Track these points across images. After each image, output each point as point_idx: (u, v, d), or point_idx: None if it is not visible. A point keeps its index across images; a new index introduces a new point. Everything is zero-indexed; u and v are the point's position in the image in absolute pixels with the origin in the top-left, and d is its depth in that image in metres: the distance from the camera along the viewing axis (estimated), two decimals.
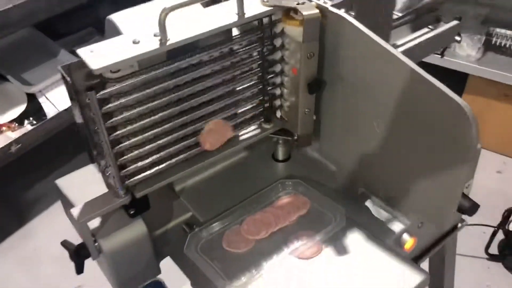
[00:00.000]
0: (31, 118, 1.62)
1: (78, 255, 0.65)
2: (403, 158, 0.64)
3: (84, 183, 0.71)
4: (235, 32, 0.69)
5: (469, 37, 1.84)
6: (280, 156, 0.82)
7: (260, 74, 0.70)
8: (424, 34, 0.87)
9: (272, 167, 0.81)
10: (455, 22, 0.90)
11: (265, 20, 0.66)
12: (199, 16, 0.61)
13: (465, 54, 1.84)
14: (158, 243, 0.71)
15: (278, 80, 0.71)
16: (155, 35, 0.57)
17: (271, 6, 0.63)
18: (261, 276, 0.63)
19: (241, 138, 0.73)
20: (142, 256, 0.68)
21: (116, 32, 0.69)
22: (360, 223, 0.70)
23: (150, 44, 0.56)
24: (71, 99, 0.57)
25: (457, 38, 0.92)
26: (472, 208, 0.70)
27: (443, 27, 0.89)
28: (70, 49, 1.79)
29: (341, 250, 0.67)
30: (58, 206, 1.80)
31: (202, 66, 0.63)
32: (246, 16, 0.62)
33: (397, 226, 0.71)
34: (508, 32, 1.79)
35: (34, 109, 1.64)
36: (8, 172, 1.77)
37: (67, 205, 0.73)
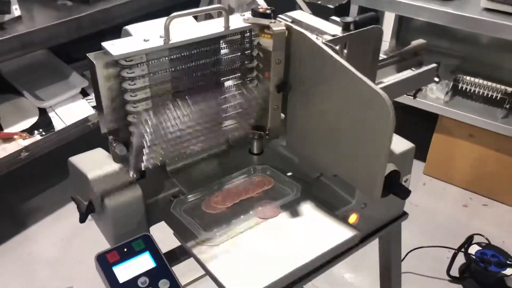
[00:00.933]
0: (40, 130, 1.79)
1: (88, 209, 0.81)
2: (343, 144, 0.82)
3: (94, 160, 0.88)
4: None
5: (439, 82, 2.06)
6: (255, 149, 0.99)
7: (239, 79, 0.89)
8: (406, 74, 1.03)
9: (248, 158, 0.99)
10: (433, 65, 1.03)
11: (247, 34, 0.86)
12: (195, 26, 0.81)
13: (434, 96, 2.05)
14: (149, 209, 0.87)
15: (253, 83, 0.90)
16: (160, 36, 0.77)
17: (250, 23, 0.83)
18: (230, 229, 0.80)
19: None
20: (135, 216, 0.84)
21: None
22: (314, 196, 0.87)
23: (156, 42, 0.76)
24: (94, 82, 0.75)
25: (436, 79, 1.04)
26: (404, 192, 0.87)
27: (423, 68, 1.01)
28: (81, 72, 2.00)
29: (294, 213, 0.85)
30: (56, 215, 1.95)
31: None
32: (230, 28, 0.81)
33: (344, 205, 0.88)
34: (473, 79, 2.01)
35: (44, 122, 1.82)
36: (12, 181, 1.93)
37: (78, 177, 0.89)
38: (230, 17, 0.84)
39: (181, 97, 0.81)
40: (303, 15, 1.01)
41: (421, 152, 2.23)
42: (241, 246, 0.80)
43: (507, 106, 1.93)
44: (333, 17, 1.06)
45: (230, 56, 0.86)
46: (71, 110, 1.89)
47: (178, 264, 0.90)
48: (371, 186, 0.78)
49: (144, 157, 0.78)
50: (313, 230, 0.82)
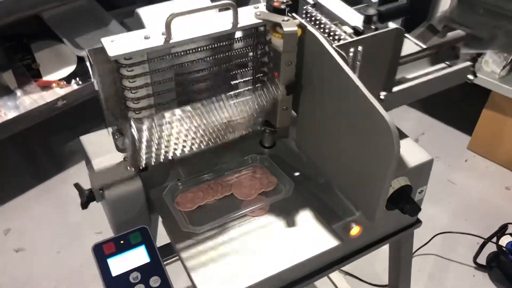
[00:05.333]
0: (78, 79, 1.82)
1: (88, 198, 0.82)
2: (347, 158, 0.78)
3: (103, 143, 0.88)
4: (239, 34, 0.83)
5: (496, 54, 1.88)
6: (265, 142, 0.96)
7: (253, 72, 0.84)
8: (438, 71, 0.91)
9: (258, 150, 0.96)
10: (467, 63, 0.93)
11: (261, 28, 0.80)
12: (202, 21, 0.76)
13: (489, 70, 1.89)
14: (153, 197, 0.88)
15: (265, 78, 0.85)
16: (162, 34, 0.73)
17: (261, 19, 0.77)
18: (216, 224, 0.81)
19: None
20: (135, 207, 0.85)
21: (140, 24, 0.85)
22: (310, 199, 0.85)
23: (157, 40, 0.72)
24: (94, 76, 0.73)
25: (470, 77, 0.95)
26: (413, 210, 0.82)
27: (456, 67, 0.92)
28: (121, 20, 1.98)
29: (281, 213, 0.83)
30: None
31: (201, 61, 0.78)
32: (238, 25, 0.76)
33: (347, 215, 0.84)
34: None
35: (81, 71, 1.84)
36: (54, 124, 2.00)
37: (86, 157, 0.90)
38: (243, 9, 0.79)
39: (185, 101, 0.78)
40: None
41: (468, 126, 2.10)
42: (224, 245, 0.79)
43: None
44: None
45: (240, 51, 0.81)
46: None
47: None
48: (371, 208, 0.74)
49: (143, 156, 0.77)
50: (295, 234, 0.80)
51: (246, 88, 0.85)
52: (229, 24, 0.76)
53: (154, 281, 0.80)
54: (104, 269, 0.80)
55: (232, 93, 0.81)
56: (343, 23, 0.85)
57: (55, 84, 1.78)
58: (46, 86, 1.77)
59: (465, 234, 1.73)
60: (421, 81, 0.88)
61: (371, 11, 0.83)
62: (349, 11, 0.87)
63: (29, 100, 1.71)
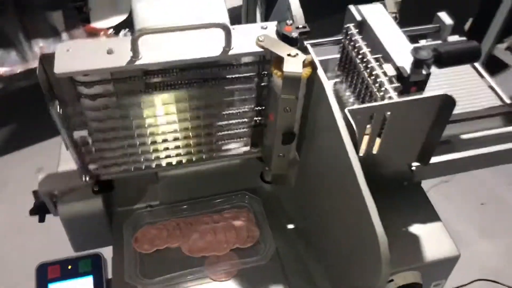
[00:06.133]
0: (127, 29, 1.72)
1: (41, 209, 0.72)
2: (336, 253, 0.61)
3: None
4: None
5: None
6: (266, 176, 0.80)
7: (253, 102, 0.68)
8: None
9: (255, 184, 0.80)
10: None
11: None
12: (185, 41, 0.59)
13: None
14: (119, 217, 0.76)
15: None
16: (131, 50, 0.58)
17: (262, 48, 0.59)
18: (171, 283, 0.67)
19: (227, 152, 0.73)
20: (95, 227, 0.74)
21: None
22: (287, 269, 0.69)
23: (120, 59, 0.57)
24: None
25: None
26: None
27: None
28: None
29: (249, 285, 0.67)
30: None
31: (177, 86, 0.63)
32: (230, 52, 0.59)
33: None
34: None
35: (132, 22, 1.73)
36: None
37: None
38: (247, 27, 0.61)
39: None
40: (382, 17, 0.72)
41: None
42: None
43: None
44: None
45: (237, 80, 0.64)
46: None
47: None
48: None
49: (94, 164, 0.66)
50: None
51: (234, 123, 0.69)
52: (218, 50, 0.59)
53: None
54: None
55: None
56: (387, 59, 0.65)
57: (103, 32, 1.69)
58: (93, 34, 1.69)
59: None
60: (476, 154, 0.66)
61: (424, 54, 0.62)
62: (401, 42, 0.67)
63: None
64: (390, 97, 0.59)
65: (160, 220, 0.74)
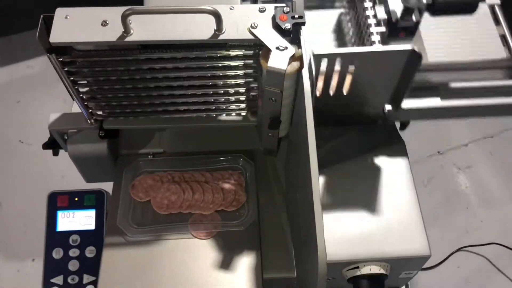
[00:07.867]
0: None
1: (53, 145, 0.79)
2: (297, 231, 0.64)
3: None
4: None
5: None
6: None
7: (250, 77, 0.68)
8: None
9: (255, 146, 0.82)
10: None
11: None
12: (178, 21, 0.59)
13: None
14: (124, 160, 0.82)
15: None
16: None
17: (253, 36, 0.58)
18: (155, 233, 0.73)
19: (223, 118, 0.75)
20: (101, 166, 0.81)
21: None
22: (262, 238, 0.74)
23: (113, 33, 0.58)
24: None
25: None
26: None
27: None
28: None
29: (224, 247, 0.72)
30: None
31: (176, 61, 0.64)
32: (220, 37, 0.58)
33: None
34: None
35: None
36: None
37: None
38: (245, 8, 0.60)
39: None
40: None
41: None
42: (145, 261, 0.71)
43: None
44: None
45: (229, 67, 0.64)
46: None
47: None
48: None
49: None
50: (225, 273, 0.70)
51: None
52: (209, 32, 0.58)
53: (90, 251, 0.80)
54: (51, 220, 0.81)
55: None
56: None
57: None
58: None
59: None
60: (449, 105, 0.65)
61: (412, 2, 0.61)
62: None
63: None
64: (372, 42, 0.61)
65: (158, 171, 0.79)
